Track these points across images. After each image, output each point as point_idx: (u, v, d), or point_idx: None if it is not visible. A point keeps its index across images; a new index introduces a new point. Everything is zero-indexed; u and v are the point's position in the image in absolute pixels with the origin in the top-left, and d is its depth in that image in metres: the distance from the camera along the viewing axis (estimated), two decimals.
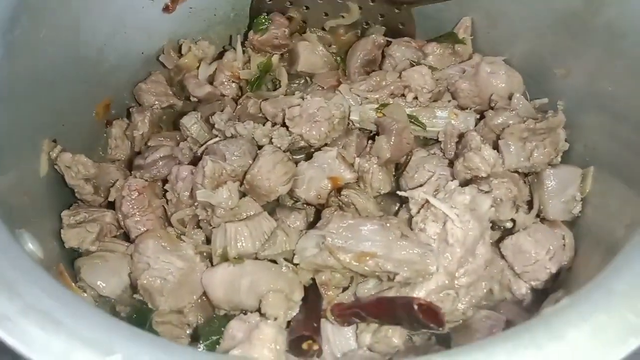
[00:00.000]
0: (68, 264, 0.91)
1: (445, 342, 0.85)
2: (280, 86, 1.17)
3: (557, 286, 0.86)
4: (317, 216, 0.96)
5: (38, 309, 0.53)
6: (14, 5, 0.84)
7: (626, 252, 0.63)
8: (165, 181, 0.98)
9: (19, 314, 0.52)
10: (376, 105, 1.04)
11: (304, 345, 0.77)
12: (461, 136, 0.99)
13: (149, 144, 1.08)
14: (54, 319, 0.52)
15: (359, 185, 1.00)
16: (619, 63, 0.88)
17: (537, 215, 0.94)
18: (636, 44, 0.85)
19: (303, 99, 1.02)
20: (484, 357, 0.53)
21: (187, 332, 0.86)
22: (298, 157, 1.05)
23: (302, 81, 1.20)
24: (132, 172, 1.01)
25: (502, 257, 0.90)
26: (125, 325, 0.54)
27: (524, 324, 0.56)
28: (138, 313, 0.86)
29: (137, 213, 0.95)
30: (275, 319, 0.79)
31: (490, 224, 0.88)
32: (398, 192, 0.91)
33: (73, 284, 0.84)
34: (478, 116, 1.03)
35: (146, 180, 0.98)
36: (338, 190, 0.97)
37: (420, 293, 0.82)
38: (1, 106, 0.82)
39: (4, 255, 0.60)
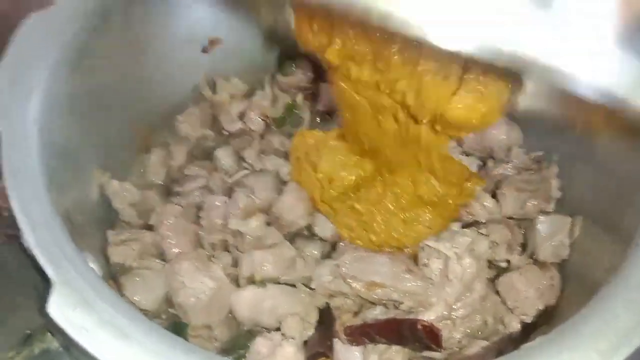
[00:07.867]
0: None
1: None
2: (303, 123, 1.29)
3: (543, 321, 0.96)
4: (331, 248, 1.07)
5: (111, 324, 0.62)
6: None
7: (598, 298, 0.73)
8: (199, 208, 1.10)
9: (96, 327, 0.61)
10: None
11: None
12: None
13: (184, 172, 1.19)
14: (125, 333, 0.61)
15: None
16: None
17: (531, 256, 1.04)
18: None
19: None
20: None
21: (215, 345, 0.96)
22: None
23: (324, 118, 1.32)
24: (171, 199, 1.13)
25: (497, 292, 1.00)
26: (183, 341, 0.64)
27: None
28: (173, 326, 0.97)
29: (173, 235, 1.06)
30: (293, 338, 0.90)
31: (488, 263, 0.99)
32: None
33: None
34: (481, 162, 1.15)
35: (182, 207, 1.09)
36: None
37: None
38: (66, 123, 0.91)
39: (77, 271, 0.67)
